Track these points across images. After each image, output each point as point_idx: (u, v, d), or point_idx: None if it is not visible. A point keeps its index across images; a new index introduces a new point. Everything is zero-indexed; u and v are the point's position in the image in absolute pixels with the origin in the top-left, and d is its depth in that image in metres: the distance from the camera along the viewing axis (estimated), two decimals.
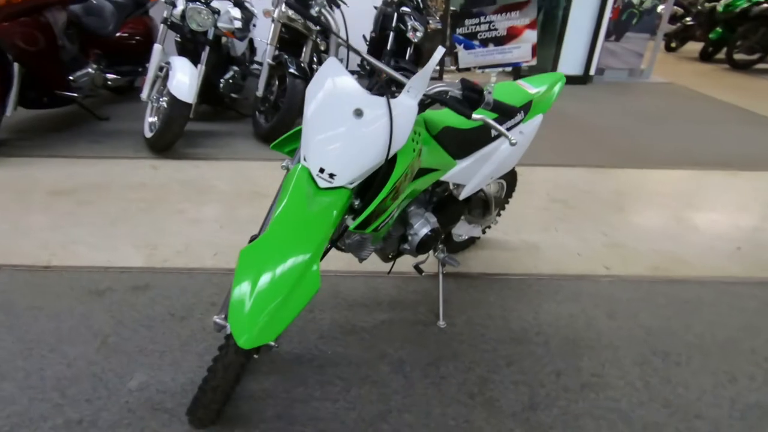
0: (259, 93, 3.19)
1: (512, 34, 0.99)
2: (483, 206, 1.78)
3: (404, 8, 3.21)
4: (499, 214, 2.13)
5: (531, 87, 1.62)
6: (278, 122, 3.10)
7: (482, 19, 1.00)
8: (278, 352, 1.52)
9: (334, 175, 1.00)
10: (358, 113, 0.98)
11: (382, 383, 1.43)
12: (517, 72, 5.04)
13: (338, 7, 3.65)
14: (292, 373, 1.45)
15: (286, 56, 3.17)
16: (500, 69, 1.07)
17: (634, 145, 3.54)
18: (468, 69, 1.10)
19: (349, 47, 1.02)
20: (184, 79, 2.90)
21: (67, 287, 1.79)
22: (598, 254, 2.13)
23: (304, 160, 1.02)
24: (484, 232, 2.14)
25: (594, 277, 1.97)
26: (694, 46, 8.32)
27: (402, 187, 1.10)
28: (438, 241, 1.49)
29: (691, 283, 1.94)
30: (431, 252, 1.71)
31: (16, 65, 2.91)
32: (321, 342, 1.57)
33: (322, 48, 3.54)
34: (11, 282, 1.82)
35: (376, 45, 3.54)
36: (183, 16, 3.07)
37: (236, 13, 3.77)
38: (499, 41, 1.01)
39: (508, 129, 1.51)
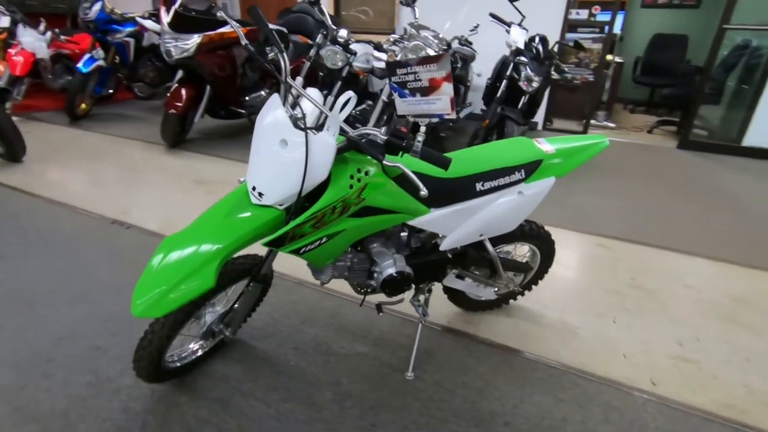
0: (369, 126, 3.51)
1: (433, 86, 0.97)
2: (489, 266, 1.64)
3: (521, 57, 3.13)
4: (536, 283, 1.91)
5: (548, 145, 1.46)
6: None
7: (409, 69, 1.00)
8: (255, 345, 1.70)
9: (263, 195, 1.14)
10: (284, 143, 1.10)
11: (317, 408, 1.46)
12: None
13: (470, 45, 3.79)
14: (252, 369, 1.60)
15: None
16: (428, 120, 1.04)
17: None
18: (404, 117, 1.11)
19: (292, 86, 1.13)
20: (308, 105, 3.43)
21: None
22: (653, 364, 1.69)
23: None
24: (514, 298, 1.94)
25: (628, 388, 1.58)
26: None
27: (328, 219, 1.16)
28: (407, 286, 1.46)
29: None
30: (411, 298, 1.66)
31: (207, 86, 3.91)
32: (293, 352, 1.69)
33: None
34: (134, 238, 2.46)
35: (490, 92, 3.52)
36: None
37: (380, 55, 4.27)
38: (424, 92, 1.00)
39: (502, 187, 1.39)
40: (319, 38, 3.71)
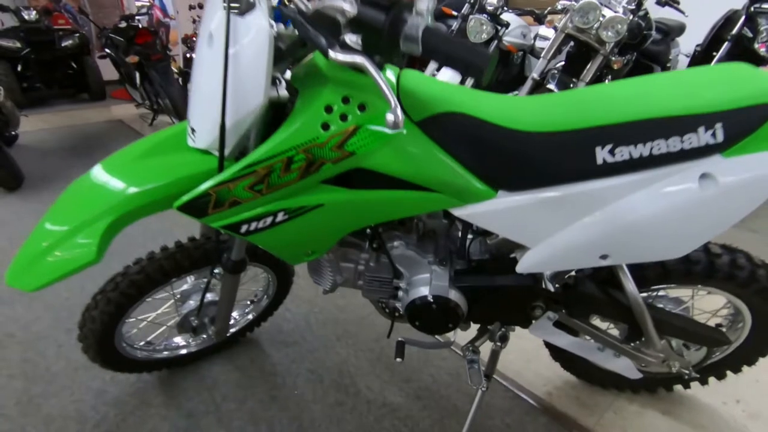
0: None
1: None
2: (627, 319, 0.88)
3: (762, 5, 1.98)
4: (735, 370, 1.04)
5: None
6: None
7: None
8: (269, 353, 1.31)
9: (195, 132, 0.72)
10: (210, 39, 0.65)
11: None
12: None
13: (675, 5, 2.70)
14: (248, 384, 1.21)
15: (556, 71, 2.65)
16: None
17: None
18: None
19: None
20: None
21: None
22: None
23: None
24: (684, 384, 1.09)
25: None
26: None
27: (278, 181, 0.67)
28: (452, 322, 0.85)
29: None
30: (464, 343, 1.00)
31: None
32: (305, 375, 1.24)
33: (615, 66, 2.71)
34: None
35: (700, 61, 2.39)
36: None
37: (544, 32, 3.49)
38: None
39: (662, 161, 0.66)
40: (465, 8, 3.17)
